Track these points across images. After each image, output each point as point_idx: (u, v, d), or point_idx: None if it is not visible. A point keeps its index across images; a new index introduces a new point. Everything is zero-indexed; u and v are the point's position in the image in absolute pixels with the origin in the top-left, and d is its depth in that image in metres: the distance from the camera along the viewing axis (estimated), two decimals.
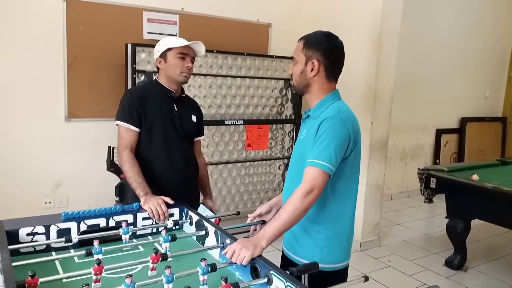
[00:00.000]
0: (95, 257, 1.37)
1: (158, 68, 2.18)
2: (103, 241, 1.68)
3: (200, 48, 2.15)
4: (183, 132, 2.18)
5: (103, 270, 1.29)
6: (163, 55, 2.11)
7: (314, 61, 1.63)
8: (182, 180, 2.18)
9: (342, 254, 1.68)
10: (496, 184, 3.34)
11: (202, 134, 2.39)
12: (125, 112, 2.07)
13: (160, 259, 1.39)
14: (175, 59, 2.09)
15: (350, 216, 1.69)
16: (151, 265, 1.39)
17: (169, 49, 2.09)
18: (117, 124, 2.10)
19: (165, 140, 2.12)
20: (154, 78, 2.20)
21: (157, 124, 2.11)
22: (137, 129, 2.08)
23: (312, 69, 1.63)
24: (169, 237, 1.59)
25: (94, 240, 1.42)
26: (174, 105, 2.17)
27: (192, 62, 2.15)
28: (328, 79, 1.67)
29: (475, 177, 3.55)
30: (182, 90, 2.25)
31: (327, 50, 1.64)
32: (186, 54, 2.11)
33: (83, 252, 1.42)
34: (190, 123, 2.25)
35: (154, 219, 1.84)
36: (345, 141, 1.56)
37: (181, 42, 2.10)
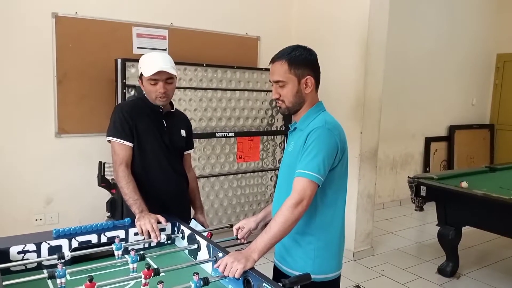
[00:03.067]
0: (58, 280, 1.34)
1: None
2: (95, 257, 1.68)
3: (167, 69, 2.03)
4: (172, 147, 2.18)
5: (95, 287, 1.28)
6: (140, 78, 2.10)
7: (308, 77, 1.64)
8: (173, 194, 2.17)
9: (334, 264, 1.69)
10: (485, 191, 3.38)
11: (191, 147, 2.39)
12: (117, 128, 2.06)
13: (152, 274, 1.39)
14: (148, 85, 2.06)
15: (339, 225, 1.71)
16: (143, 281, 1.38)
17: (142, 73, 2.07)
18: (109, 141, 2.08)
19: (155, 155, 2.12)
20: (143, 93, 2.20)
21: (146, 139, 2.10)
22: (130, 144, 2.07)
23: (306, 86, 1.65)
24: (138, 257, 1.54)
25: (58, 264, 1.38)
26: (163, 121, 2.17)
27: (170, 83, 2.07)
28: (316, 92, 1.71)
29: (464, 184, 3.59)
30: (172, 105, 2.26)
31: (314, 64, 1.68)
32: (157, 79, 2.03)
33: (46, 275, 1.37)
34: (180, 137, 2.25)
35: (143, 237, 1.82)
36: (333, 151, 1.58)
37: (149, 68, 2.02)
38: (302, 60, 1.64)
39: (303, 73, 1.64)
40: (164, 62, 2.04)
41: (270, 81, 1.72)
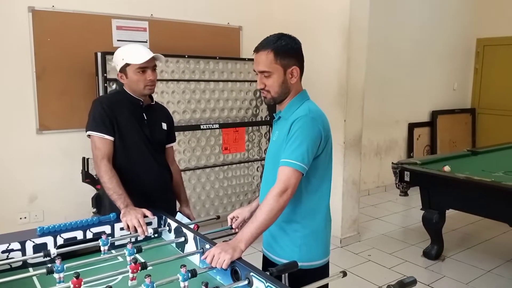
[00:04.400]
0: (57, 275, 1.34)
1: None
2: (82, 253, 1.67)
3: (158, 56, 2.09)
4: (153, 140, 2.16)
5: (82, 283, 1.27)
6: (123, 70, 2.06)
7: (294, 67, 1.63)
8: (157, 187, 2.16)
9: (321, 251, 1.71)
10: (468, 174, 3.44)
11: (173, 140, 2.37)
12: (97, 121, 2.02)
13: (139, 268, 1.39)
14: (135, 74, 2.04)
15: (325, 212, 1.72)
16: (131, 275, 1.38)
17: (127, 64, 2.03)
18: (89, 135, 2.05)
19: (137, 148, 2.10)
20: (122, 86, 2.17)
21: (127, 133, 2.07)
22: (111, 138, 2.04)
23: (292, 76, 1.64)
24: (135, 249, 1.53)
25: (57, 259, 1.37)
26: (144, 114, 2.15)
27: (154, 70, 2.09)
28: (300, 80, 1.71)
29: (446, 168, 3.65)
30: (151, 98, 2.23)
31: (299, 53, 1.67)
32: (146, 67, 2.03)
33: (44, 270, 1.36)
34: (160, 130, 2.22)
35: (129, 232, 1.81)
36: (317, 140, 1.59)
37: (138, 56, 2.01)
38: (288, 50, 1.62)
39: (289, 63, 1.62)
40: (147, 50, 2.06)
41: (254, 71, 1.70)
